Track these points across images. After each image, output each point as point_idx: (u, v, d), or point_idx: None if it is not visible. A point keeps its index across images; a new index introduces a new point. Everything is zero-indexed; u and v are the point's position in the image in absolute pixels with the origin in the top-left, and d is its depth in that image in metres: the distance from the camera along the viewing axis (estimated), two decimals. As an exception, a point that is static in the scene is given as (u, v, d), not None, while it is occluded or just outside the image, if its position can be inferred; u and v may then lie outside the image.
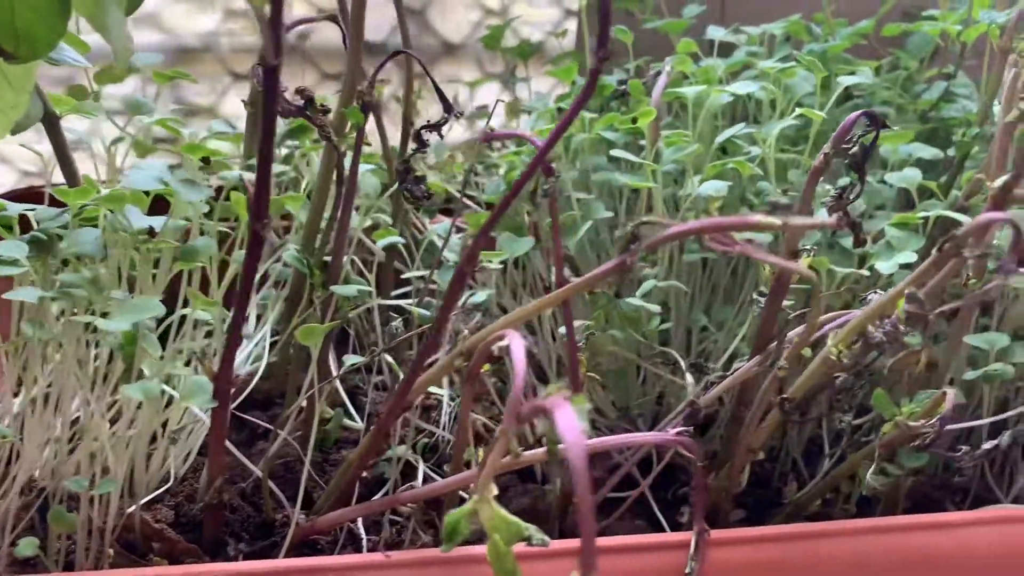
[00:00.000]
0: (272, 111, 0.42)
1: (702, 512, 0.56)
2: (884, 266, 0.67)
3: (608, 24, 0.39)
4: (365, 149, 0.71)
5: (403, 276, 0.76)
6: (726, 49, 0.89)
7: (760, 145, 0.70)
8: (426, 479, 0.66)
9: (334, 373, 0.70)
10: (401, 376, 0.56)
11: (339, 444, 0.73)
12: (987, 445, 0.56)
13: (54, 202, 0.61)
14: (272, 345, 0.71)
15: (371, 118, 0.67)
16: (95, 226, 0.57)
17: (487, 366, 0.49)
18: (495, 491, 0.42)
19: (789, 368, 0.53)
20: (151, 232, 0.55)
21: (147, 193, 0.59)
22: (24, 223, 0.59)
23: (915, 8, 0.98)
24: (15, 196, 0.71)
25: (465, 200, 0.78)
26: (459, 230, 0.76)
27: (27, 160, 1.08)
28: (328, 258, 0.67)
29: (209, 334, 0.63)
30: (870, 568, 0.59)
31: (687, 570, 0.56)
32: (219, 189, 0.74)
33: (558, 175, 0.57)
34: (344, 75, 0.63)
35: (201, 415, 0.62)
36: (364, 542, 0.61)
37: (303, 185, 0.77)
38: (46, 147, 0.69)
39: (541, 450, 0.57)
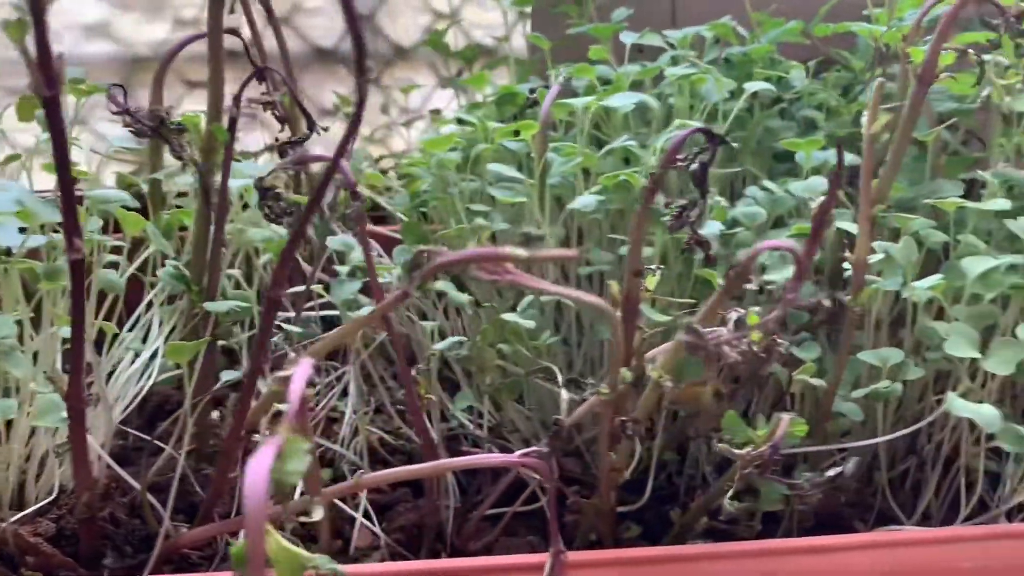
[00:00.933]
0: (60, 142, 0.42)
1: (557, 532, 0.55)
2: (775, 278, 0.66)
3: (360, 35, 0.38)
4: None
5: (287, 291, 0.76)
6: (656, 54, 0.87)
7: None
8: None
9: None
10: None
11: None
12: (830, 473, 0.54)
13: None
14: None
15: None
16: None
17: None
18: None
19: (624, 388, 0.51)
20: (8, 252, 0.56)
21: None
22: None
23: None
24: None
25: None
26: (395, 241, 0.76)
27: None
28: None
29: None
30: (737, 593, 0.57)
31: (539, 593, 0.55)
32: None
33: (363, 201, 0.56)
34: (208, 90, 0.62)
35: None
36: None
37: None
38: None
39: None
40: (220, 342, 0.67)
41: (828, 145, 0.77)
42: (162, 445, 0.67)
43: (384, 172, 0.92)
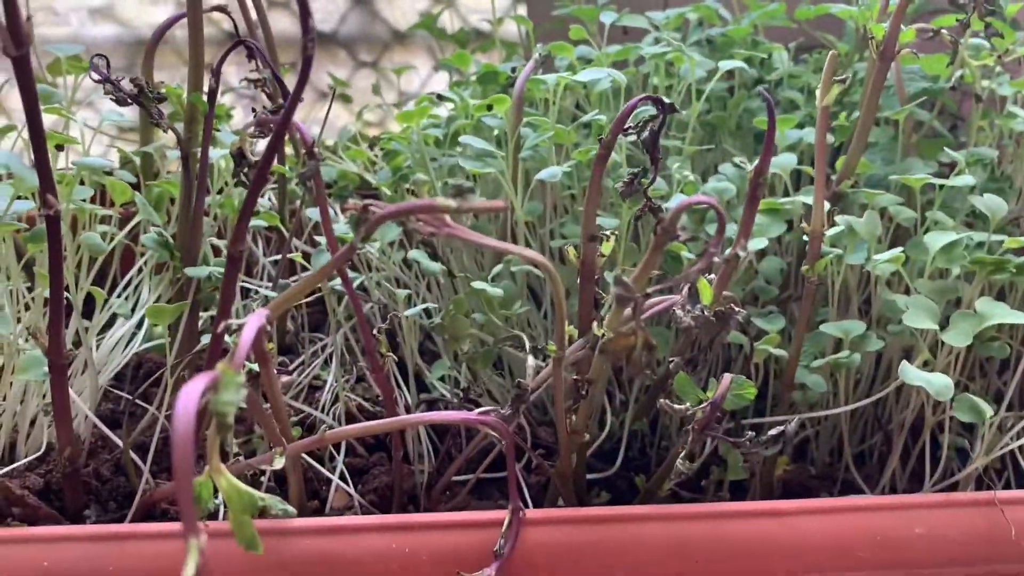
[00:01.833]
0: (30, 99, 0.44)
1: (515, 491, 0.57)
2: (750, 244, 0.67)
3: (307, 11, 0.40)
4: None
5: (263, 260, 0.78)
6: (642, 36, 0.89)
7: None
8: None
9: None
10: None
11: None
12: (773, 432, 0.55)
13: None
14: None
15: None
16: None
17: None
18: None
19: (581, 350, 0.53)
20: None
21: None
22: None
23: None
24: None
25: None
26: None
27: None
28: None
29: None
30: (691, 554, 0.58)
31: (495, 548, 0.57)
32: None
33: (321, 159, 0.58)
34: (189, 64, 0.65)
35: (73, 395, 0.66)
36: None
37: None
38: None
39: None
40: (203, 310, 0.70)
41: (807, 125, 0.78)
42: (145, 405, 0.70)
43: (372, 146, 0.94)
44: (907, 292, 0.68)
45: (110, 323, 0.74)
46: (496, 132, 0.73)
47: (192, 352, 0.65)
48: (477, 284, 0.65)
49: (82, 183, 0.70)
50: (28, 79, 0.44)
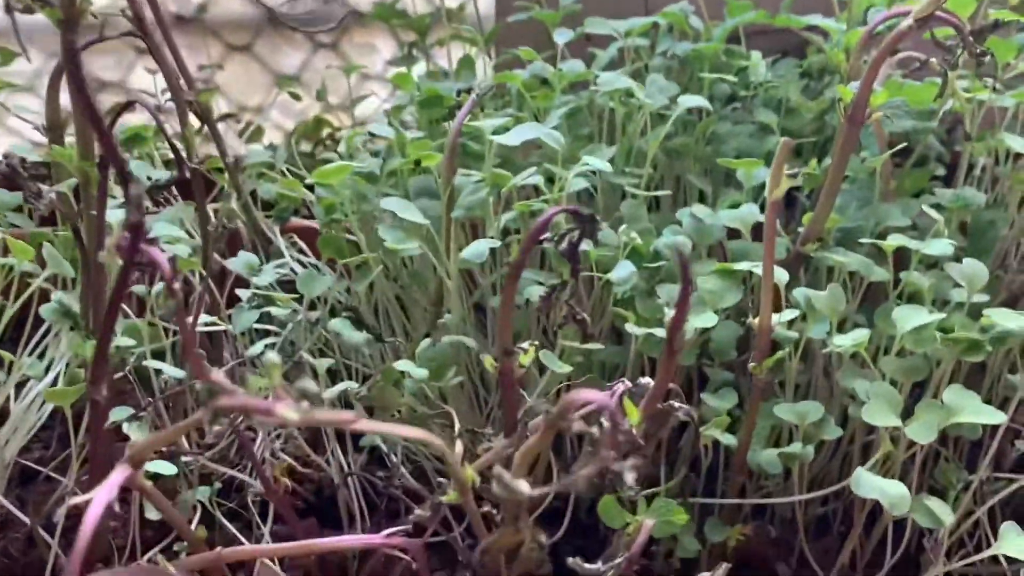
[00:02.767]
0: None
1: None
2: (696, 321, 0.61)
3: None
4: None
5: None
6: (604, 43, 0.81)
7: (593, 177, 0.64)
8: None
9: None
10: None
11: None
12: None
13: None
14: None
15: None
16: None
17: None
18: None
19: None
20: None
21: None
22: None
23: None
24: None
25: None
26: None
27: None
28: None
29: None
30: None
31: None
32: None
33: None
34: (76, 130, 0.58)
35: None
36: None
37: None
38: None
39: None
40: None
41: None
42: (57, 476, 0.66)
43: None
44: (874, 362, 0.62)
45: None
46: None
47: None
48: (401, 364, 0.59)
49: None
50: None
